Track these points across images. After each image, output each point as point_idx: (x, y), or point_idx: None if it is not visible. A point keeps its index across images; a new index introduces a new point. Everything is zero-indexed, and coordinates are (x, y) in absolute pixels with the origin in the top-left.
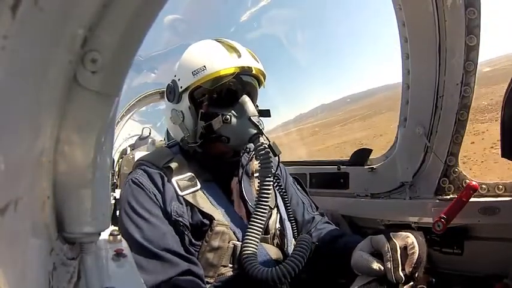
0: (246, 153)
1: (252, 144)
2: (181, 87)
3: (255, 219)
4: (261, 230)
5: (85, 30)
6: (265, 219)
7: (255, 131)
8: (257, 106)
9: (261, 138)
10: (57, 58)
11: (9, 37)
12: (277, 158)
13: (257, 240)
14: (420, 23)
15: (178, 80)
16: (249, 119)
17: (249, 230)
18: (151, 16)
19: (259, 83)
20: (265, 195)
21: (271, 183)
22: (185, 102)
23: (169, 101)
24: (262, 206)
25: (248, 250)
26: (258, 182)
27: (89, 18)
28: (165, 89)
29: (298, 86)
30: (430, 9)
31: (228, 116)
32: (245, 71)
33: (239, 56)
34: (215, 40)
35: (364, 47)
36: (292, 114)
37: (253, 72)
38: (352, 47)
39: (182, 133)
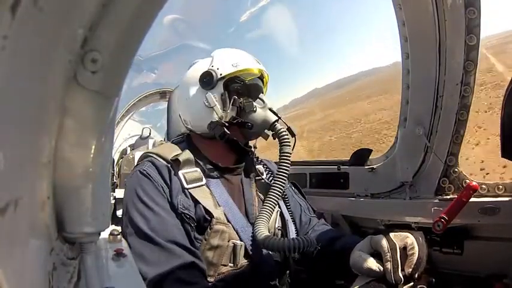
0: (250, 157)
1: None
2: (220, 74)
3: (272, 192)
4: (276, 200)
5: (85, 30)
6: (282, 191)
7: (276, 118)
8: None
9: (279, 123)
10: (57, 58)
11: (9, 37)
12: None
13: (270, 212)
14: (420, 23)
15: (217, 69)
16: (270, 109)
17: (266, 200)
18: (151, 16)
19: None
20: (286, 168)
21: (290, 161)
22: (219, 89)
23: (203, 87)
24: (281, 177)
25: (260, 225)
26: (279, 156)
27: (89, 18)
28: (165, 89)
29: (293, 73)
30: (430, 9)
31: (254, 106)
32: (262, 74)
33: (258, 63)
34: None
35: (353, 35)
36: (287, 99)
37: (264, 78)
38: (342, 34)
39: (212, 116)
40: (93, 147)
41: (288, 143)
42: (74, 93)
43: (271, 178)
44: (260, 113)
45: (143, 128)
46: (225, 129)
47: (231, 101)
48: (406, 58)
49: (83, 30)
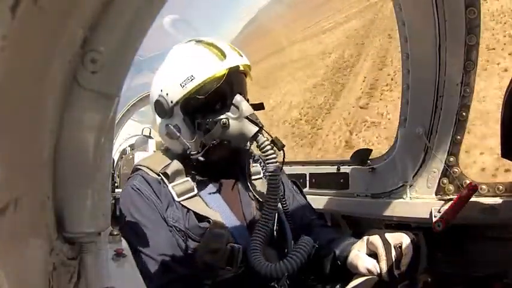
0: (244, 156)
1: (250, 143)
2: (171, 101)
3: (264, 216)
4: (268, 228)
5: (85, 30)
6: (273, 214)
7: (256, 129)
8: (248, 100)
9: (262, 136)
10: (57, 58)
11: (9, 37)
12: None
13: (264, 235)
14: (420, 23)
15: (167, 94)
16: (247, 118)
17: (257, 226)
18: (151, 16)
19: (246, 76)
20: (274, 190)
21: (279, 177)
22: (178, 115)
23: (161, 117)
24: (272, 201)
25: (255, 246)
26: (267, 178)
27: (89, 18)
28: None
29: None
30: (430, 9)
31: (225, 120)
32: (233, 70)
33: (224, 55)
34: (195, 42)
35: None
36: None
37: (241, 69)
38: None
39: (181, 146)
40: (93, 147)
41: (273, 161)
42: (74, 93)
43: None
44: (235, 126)
45: (143, 128)
46: (200, 156)
47: (196, 126)
48: (406, 58)
49: (83, 30)
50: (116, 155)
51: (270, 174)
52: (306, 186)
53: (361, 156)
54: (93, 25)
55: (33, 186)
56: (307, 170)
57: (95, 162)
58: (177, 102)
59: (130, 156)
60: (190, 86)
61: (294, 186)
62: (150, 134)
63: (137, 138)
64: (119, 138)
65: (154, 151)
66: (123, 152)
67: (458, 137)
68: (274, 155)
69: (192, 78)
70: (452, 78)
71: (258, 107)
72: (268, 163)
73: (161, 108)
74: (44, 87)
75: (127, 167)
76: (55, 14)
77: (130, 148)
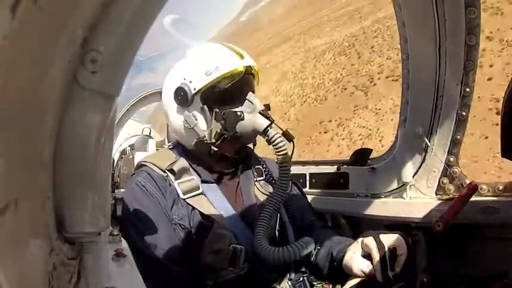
0: (248, 158)
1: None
2: (194, 88)
3: (270, 201)
4: (276, 208)
5: (85, 30)
6: (280, 204)
7: (268, 123)
8: None
9: (273, 129)
10: (57, 58)
11: (10, 37)
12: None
13: (268, 221)
14: (420, 23)
15: (190, 82)
16: (260, 112)
17: (264, 210)
18: (151, 16)
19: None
20: (285, 179)
21: (289, 169)
22: (197, 104)
23: (180, 105)
24: (282, 188)
25: (260, 232)
26: (278, 168)
27: (89, 18)
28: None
29: None
30: (430, 9)
31: (240, 113)
32: (248, 70)
33: (242, 57)
34: (214, 42)
35: None
36: None
37: (253, 71)
38: None
39: (196, 135)
40: (93, 147)
41: (283, 152)
42: (74, 93)
43: (271, 178)
44: (249, 120)
45: (143, 128)
46: (212, 146)
47: (213, 115)
48: (406, 58)
49: (82, 30)
50: (116, 155)
51: (280, 164)
52: (306, 186)
53: (361, 156)
54: (93, 25)
55: (33, 186)
56: (307, 170)
57: (95, 162)
58: (199, 91)
59: (131, 157)
60: (215, 75)
61: (295, 187)
62: (150, 134)
63: (137, 138)
64: (119, 138)
65: (157, 149)
66: (123, 152)
67: (458, 136)
68: (284, 147)
69: (217, 68)
70: (452, 78)
71: (266, 107)
72: (278, 154)
73: (182, 96)
74: (44, 87)
75: (127, 167)
76: (55, 14)
77: (130, 148)
